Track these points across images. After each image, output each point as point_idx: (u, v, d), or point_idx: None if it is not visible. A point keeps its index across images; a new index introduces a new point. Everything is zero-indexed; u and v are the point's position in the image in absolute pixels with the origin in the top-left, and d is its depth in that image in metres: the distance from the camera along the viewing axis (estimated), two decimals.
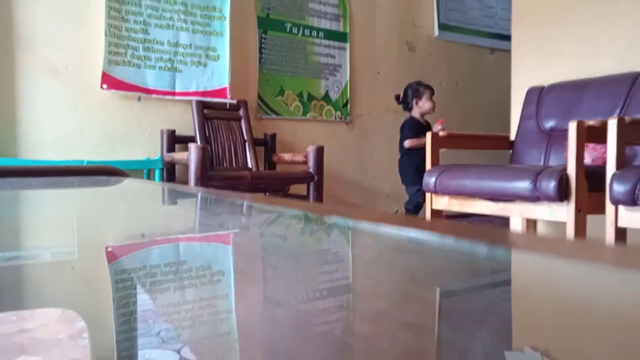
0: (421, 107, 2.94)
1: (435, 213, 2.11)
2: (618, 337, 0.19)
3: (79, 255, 0.43)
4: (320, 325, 0.23)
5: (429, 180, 2.05)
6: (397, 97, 3.07)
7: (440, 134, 2.27)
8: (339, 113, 3.38)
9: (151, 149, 2.68)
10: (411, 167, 2.84)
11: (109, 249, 0.45)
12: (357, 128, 3.47)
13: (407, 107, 3.01)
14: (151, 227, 0.60)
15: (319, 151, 2.61)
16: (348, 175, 3.41)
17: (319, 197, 2.59)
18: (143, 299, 0.29)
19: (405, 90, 3.03)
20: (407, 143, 2.87)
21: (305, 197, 2.63)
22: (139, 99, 2.66)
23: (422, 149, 2.45)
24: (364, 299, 0.27)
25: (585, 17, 2.41)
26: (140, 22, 2.61)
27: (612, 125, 1.52)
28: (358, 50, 3.40)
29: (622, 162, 1.53)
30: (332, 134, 3.34)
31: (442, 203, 2.08)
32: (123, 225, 0.60)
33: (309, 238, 0.48)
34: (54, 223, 0.63)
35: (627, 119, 1.55)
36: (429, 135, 2.21)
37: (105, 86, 2.50)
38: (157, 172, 2.61)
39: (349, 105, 3.41)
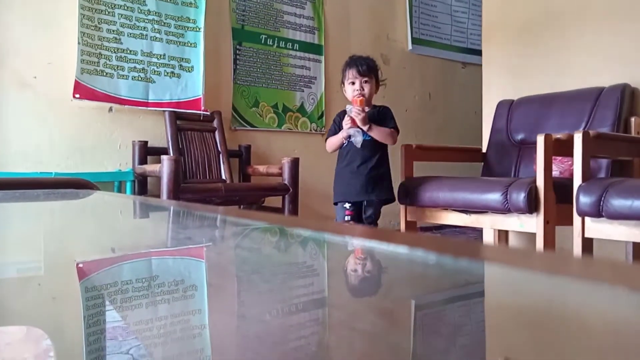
0: (345, 93, 2.13)
1: (410, 225, 2.13)
2: (587, 347, 0.20)
3: (45, 271, 0.42)
4: (293, 340, 0.23)
5: (403, 192, 2.08)
6: None
7: (354, 113, 1.95)
8: (314, 125, 3.39)
9: (122, 161, 2.63)
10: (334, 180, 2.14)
11: (78, 265, 0.44)
12: None
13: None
14: (121, 241, 0.58)
15: (294, 163, 2.61)
16: (324, 187, 3.41)
17: (294, 210, 2.58)
18: (113, 316, 0.29)
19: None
20: (327, 143, 2.15)
21: (280, 210, 2.62)
22: (111, 109, 2.61)
23: (341, 154, 2.08)
24: (334, 313, 0.27)
25: (551, 34, 2.50)
26: (113, 31, 2.57)
27: (578, 139, 1.57)
28: (333, 63, 3.42)
29: (588, 174, 1.57)
30: (308, 145, 3.34)
31: (416, 215, 2.10)
32: (92, 240, 0.59)
33: (280, 251, 0.48)
34: (19, 237, 0.61)
35: (591, 132, 1.61)
36: (402, 147, 2.20)
37: (77, 95, 2.45)
38: (128, 185, 2.56)
39: (324, 117, 3.42)
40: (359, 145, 2.00)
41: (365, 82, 2.03)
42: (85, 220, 0.77)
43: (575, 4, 2.41)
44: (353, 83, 2.04)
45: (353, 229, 0.49)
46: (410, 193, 2.05)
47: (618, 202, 1.43)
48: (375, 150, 2.02)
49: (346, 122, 2.00)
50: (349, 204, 2.04)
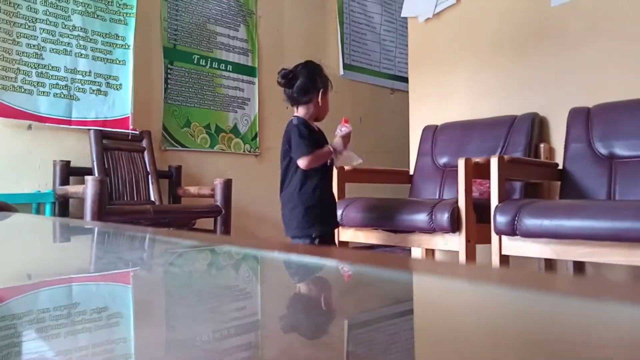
0: (320, 106, 1.87)
1: (342, 245, 2.17)
2: (508, 351, 0.22)
3: None
4: None
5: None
6: (288, 76, 1.83)
7: (344, 131, 1.86)
8: (247, 146, 3.38)
9: (42, 182, 2.47)
10: (304, 207, 1.79)
11: None
12: (267, 161, 3.49)
13: (301, 100, 1.83)
14: (39, 266, 0.56)
15: (227, 184, 2.58)
16: (257, 208, 3.40)
17: (226, 231, 2.55)
18: (28, 348, 0.28)
19: (313, 71, 1.88)
20: (304, 161, 1.75)
21: (212, 232, 2.57)
22: (30, 127, 2.46)
23: (324, 174, 1.82)
24: (263, 330, 0.28)
25: (471, 66, 2.69)
26: (34, 45, 2.44)
27: (494, 163, 1.69)
28: (267, 85, 3.45)
29: (504, 195, 1.69)
30: (241, 167, 3.32)
31: (348, 235, 2.15)
32: (7, 265, 0.55)
33: (211, 273, 0.48)
34: None
35: (506, 157, 1.74)
36: (335, 169, 2.21)
37: None
38: (47, 207, 2.41)
39: (258, 138, 3.43)
40: (354, 166, 1.93)
41: None
42: (1, 244, 0.72)
43: (489, 38, 2.62)
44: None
45: (294, 247, 0.50)
46: (342, 214, 2.09)
47: (530, 222, 1.55)
48: None
49: (338, 142, 1.86)
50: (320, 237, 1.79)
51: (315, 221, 1.79)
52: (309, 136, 1.79)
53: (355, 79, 4.13)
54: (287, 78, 1.82)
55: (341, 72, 4.01)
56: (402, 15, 3.08)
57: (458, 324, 0.27)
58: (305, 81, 1.82)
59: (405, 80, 3.44)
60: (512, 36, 2.54)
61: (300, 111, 1.85)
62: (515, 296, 0.29)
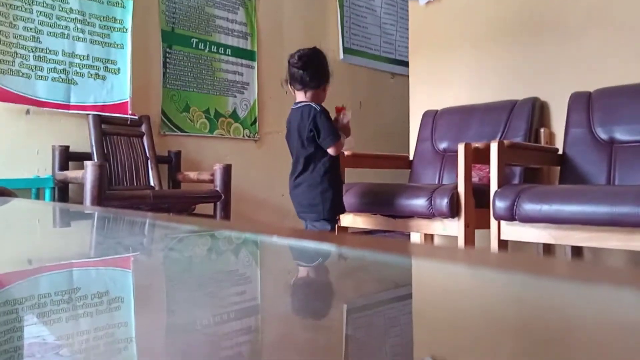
0: (323, 95, 1.91)
1: (341, 230, 2.18)
2: (509, 338, 0.22)
3: None
4: (227, 348, 0.24)
5: None
6: (303, 58, 1.83)
7: (349, 116, 1.89)
8: (247, 131, 3.37)
9: (41, 167, 2.47)
10: (333, 190, 1.83)
11: None
12: (266, 146, 3.48)
13: (310, 84, 1.84)
14: (39, 251, 0.56)
15: (226, 169, 2.58)
16: (257, 193, 3.40)
17: (226, 217, 2.55)
18: (30, 332, 0.28)
19: (324, 60, 1.91)
20: (337, 148, 1.81)
21: (211, 217, 2.57)
22: (28, 111, 2.45)
23: (338, 160, 1.88)
24: (266, 316, 0.28)
25: (472, 50, 2.67)
26: (31, 29, 2.42)
27: (494, 148, 1.68)
28: (266, 69, 3.43)
29: (503, 180, 1.70)
30: (241, 152, 3.32)
31: (347, 220, 2.15)
32: (7, 250, 0.56)
33: (211, 257, 0.48)
34: None
35: (506, 142, 1.73)
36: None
37: None
38: (47, 192, 2.41)
39: (257, 123, 3.41)
40: (352, 149, 2.04)
41: None
42: (1, 230, 0.73)
43: (491, 22, 2.59)
44: None
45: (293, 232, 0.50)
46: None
47: (529, 207, 1.55)
48: None
49: (348, 129, 1.90)
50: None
51: (340, 204, 1.87)
52: (334, 125, 1.85)
53: (355, 63, 4.10)
54: (303, 60, 1.82)
55: (341, 56, 3.98)
56: None
57: (456, 310, 0.27)
58: (320, 67, 1.86)
59: (405, 64, 3.42)
60: (513, 21, 2.51)
61: (308, 96, 1.85)
62: (514, 280, 0.29)
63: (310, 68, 1.83)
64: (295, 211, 1.91)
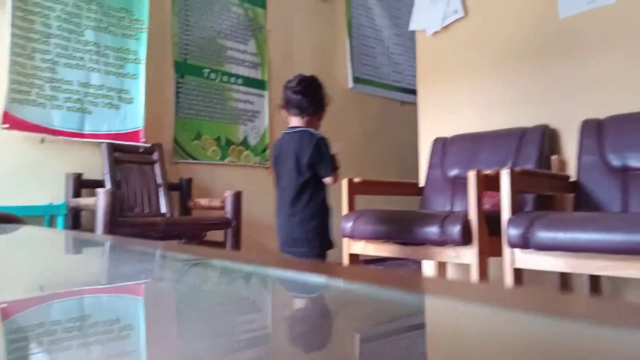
0: (318, 123, 1.87)
1: (352, 257, 2.16)
2: None
3: None
4: None
5: (346, 225, 2.11)
6: (303, 83, 1.82)
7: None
8: (258, 158, 3.40)
9: (54, 194, 2.50)
10: (324, 220, 1.81)
11: (0, 304, 0.42)
12: None
13: (308, 110, 1.81)
14: (50, 279, 0.56)
15: (237, 196, 2.59)
16: (267, 220, 3.38)
17: (236, 244, 2.54)
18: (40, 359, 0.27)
19: (322, 88, 1.87)
20: (335, 177, 1.80)
21: (222, 244, 2.57)
22: (43, 140, 2.49)
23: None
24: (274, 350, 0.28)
25: (480, 78, 2.69)
26: (47, 60, 2.49)
27: (505, 175, 1.67)
28: (277, 98, 3.45)
29: (516, 208, 1.68)
30: (251, 179, 3.33)
31: (358, 247, 2.14)
32: (17, 278, 0.56)
33: (216, 287, 0.48)
34: None
35: (517, 169, 1.72)
36: (344, 181, 2.23)
37: (6, 126, 2.32)
38: (60, 219, 2.43)
39: (267, 150, 3.44)
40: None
41: None
42: (10, 257, 0.73)
43: (498, 50, 2.62)
44: None
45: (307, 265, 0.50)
46: (352, 226, 2.08)
47: (543, 234, 1.53)
48: None
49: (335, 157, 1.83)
50: None
51: (330, 239, 1.83)
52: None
53: (365, 92, 4.14)
54: (302, 85, 1.81)
55: (350, 85, 4.03)
56: (410, 29, 3.10)
57: (468, 349, 0.27)
58: (319, 94, 1.84)
59: (414, 92, 3.44)
60: (520, 48, 2.53)
61: (304, 122, 1.82)
62: (530, 321, 0.28)
63: (310, 93, 1.80)
64: (278, 244, 1.83)
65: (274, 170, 1.90)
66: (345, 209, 2.20)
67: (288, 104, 1.83)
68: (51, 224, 2.42)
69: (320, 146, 1.76)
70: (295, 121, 1.84)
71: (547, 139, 2.27)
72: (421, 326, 0.32)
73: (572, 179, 2.12)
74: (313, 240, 1.76)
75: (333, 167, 1.77)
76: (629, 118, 2.03)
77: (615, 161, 2.00)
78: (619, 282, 2.10)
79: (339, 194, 2.22)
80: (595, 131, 2.09)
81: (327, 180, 1.78)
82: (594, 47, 2.26)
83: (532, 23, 2.49)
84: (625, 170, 1.97)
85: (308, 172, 1.75)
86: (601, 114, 2.15)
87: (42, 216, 2.39)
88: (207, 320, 0.34)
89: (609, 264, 1.45)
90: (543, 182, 2.01)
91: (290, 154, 1.78)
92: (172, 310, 0.39)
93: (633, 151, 1.96)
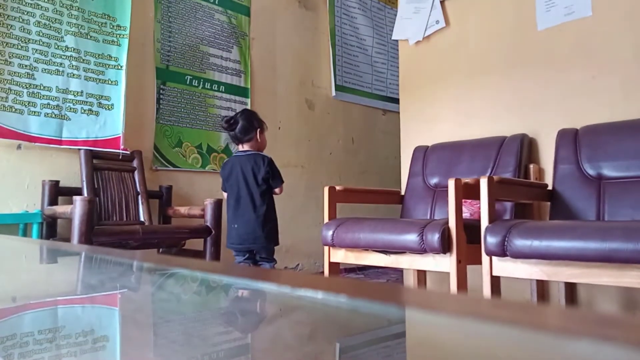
0: (260, 142, 2.35)
1: (333, 266, 2.16)
2: None
3: None
4: None
5: (327, 233, 2.11)
6: (230, 121, 2.32)
7: None
8: None
9: (30, 202, 2.45)
10: (276, 222, 2.33)
11: None
12: None
13: (244, 138, 2.32)
14: (22, 290, 0.55)
15: (217, 204, 2.57)
16: None
17: (216, 253, 2.52)
18: None
19: (249, 116, 2.37)
20: (282, 188, 2.33)
21: (201, 253, 2.54)
22: (19, 146, 2.45)
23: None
24: None
25: (461, 88, 2.73)
26: (26, 66, 2.45)
27: (484, 183, 1.70)
28: (259, 106, 3.47)
29: (494, 216, 1.70)
30: None
31: (339, 256, 2.14)
32: None
33: (190, 298, 0.48)
34: None
35: (495, 178, 1.75)
36: (326, 189, 2.27)
37: None
38: (35, 227, 2.38)
39: None
40: None
41: None
42: None
43: (478, 60, 2.66)
44: None
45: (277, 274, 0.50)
46: (333, 234, 2.09)
47: (520, 242, 1.55)
48: None
49: None
50: None
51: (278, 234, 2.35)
52: None
53: (347, 100, 4.17)
54: (229, 123, 2.31)
55: (333, 93, 4.05)
56: (393, 38, 3.13)
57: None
58: (245, 123, 2.31)
59: (396, 101, 3.48)
60: (500, 59, 2.58)
61: (246, 146, 2.33)
62: (503, 332, 0.29)
63: (238, 127, 2.30)
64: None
65: (225, 184, 2.35)
66: (326, 217, 2.20)
67: (232, 139, 2.42)
68: (26, 232, 2.37)
69: (272, 165, 2.29)
70: (243, 147, 2.35)
71: (525, 148, 2.32)
72: (400, 336, 0.32)
73: (550, 187, 2.16)
74: (270, 237, 2.27)
75: (281, 181, 2.31)
76: (604, 128, 2.08)
77: (590, 170, 2.04)
78: (593, 290, 2.14)
79: (321, 202, 2.22)
80: (571, 141, 2.14)
81: (277, 190, 2.30)
82: (571, 59, 2.32)
83: (512, 34, 2.54)
84: (600, 179, 2.01)
85: (264, 185, 2.26)
86: (578, 124, 2.20)
87: (16, 224, 2.34)
88: (178, 332, 0.33)
89: (584, 271, 1.47)
90: (521, 190, 2.05)
91: (248, 171, 2.27)
92: (143, 322, 0.39)
93: (607, 160, 2.01)
